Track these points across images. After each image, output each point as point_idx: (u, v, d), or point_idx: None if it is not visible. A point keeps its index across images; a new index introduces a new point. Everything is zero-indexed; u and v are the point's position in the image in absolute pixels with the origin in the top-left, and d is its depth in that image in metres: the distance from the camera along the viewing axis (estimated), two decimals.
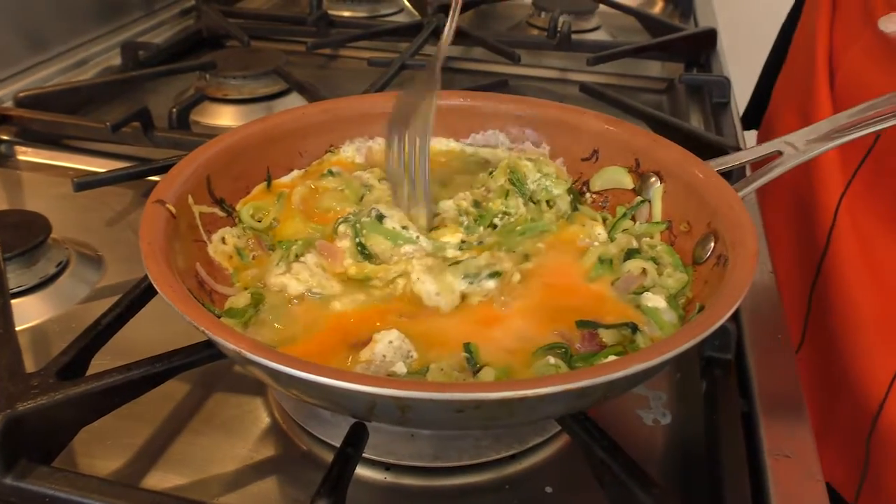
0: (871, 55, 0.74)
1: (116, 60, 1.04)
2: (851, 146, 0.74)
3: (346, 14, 1.24)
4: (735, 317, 0.58)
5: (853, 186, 0.75)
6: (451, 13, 0.57)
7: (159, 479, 0.48)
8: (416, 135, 0.55)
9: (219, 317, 0.49)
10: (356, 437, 0.44)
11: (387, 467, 0.49)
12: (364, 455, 0.47)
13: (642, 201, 0.58)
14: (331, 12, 1.19)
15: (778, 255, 0.71)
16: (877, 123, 0.54)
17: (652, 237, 0.57)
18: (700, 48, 1.07)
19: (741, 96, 1.03)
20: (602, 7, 1.24)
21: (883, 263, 0.73)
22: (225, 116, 0.92)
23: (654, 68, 1.10)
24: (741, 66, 1.11)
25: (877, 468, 0.73)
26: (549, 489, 0.48)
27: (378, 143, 0.64)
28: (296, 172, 0.62)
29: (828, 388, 0.78)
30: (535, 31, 1.20)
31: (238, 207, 0.58)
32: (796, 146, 0.55)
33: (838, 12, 0.82)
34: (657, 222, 0.57)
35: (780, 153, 0.55)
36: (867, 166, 0.74)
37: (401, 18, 1.25)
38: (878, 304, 0.72)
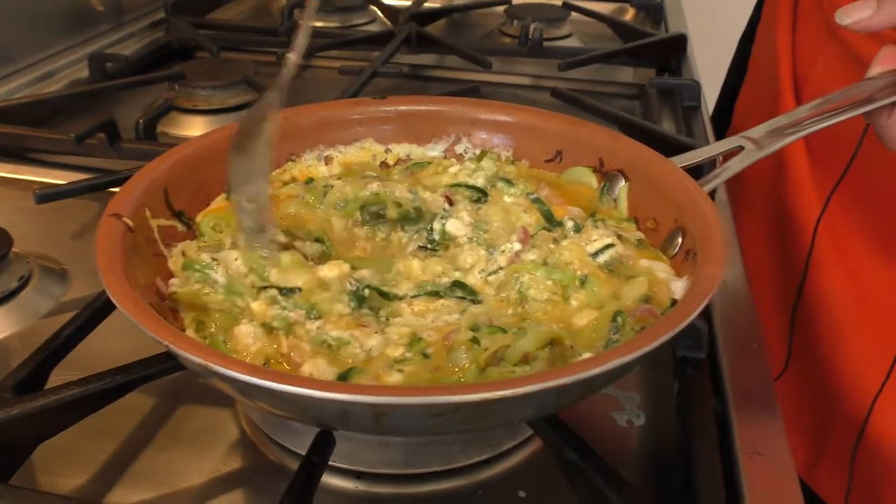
0: (836, 69, 0.74)
1: (84, 73, 1.03)
2: (826, 167, 0.75)
3: (318, 24, 1.24)
4: (707, 316, 0.58)
5: (831, 207, 0.75)
6: (304, 18, 0.53)
7: (123, 495, 0.47)
8: (254, 163, 0.51)
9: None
10: (322, 446, 0.43)
11: (358, 475, 0.48)
12: (334, 464, 0.47)
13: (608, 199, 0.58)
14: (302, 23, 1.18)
15: (756, 278, 0.70)
16: (833, 116, 0.55)
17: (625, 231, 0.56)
18: (670, 53, 1.08)
19: (712, 100, 1.04)
20: (574, 14, 1.24)
21: (865, 280, 0.73)
22: (194, 127, 0.91)
23: (625, 74, 1.11)
24: (713, 72, 1.11)
25: (862, 483, 0.73)
26: (522, 493, 0.47)
27: (339, 151, 0.64)
28: None
29: (816, 411, 0.77)
30: (508, 40, 1.20)
31: (198, 220, 0.56)
32: (756, 141, 0.55)
33: (799, 28, 0.82)
34: (624, 220, 0.57)
35: (741, 148, 0.55)
36: (844, 187, 0.74)
37: (373, 28, 1.25)
38: (862, 320, 0.72)
